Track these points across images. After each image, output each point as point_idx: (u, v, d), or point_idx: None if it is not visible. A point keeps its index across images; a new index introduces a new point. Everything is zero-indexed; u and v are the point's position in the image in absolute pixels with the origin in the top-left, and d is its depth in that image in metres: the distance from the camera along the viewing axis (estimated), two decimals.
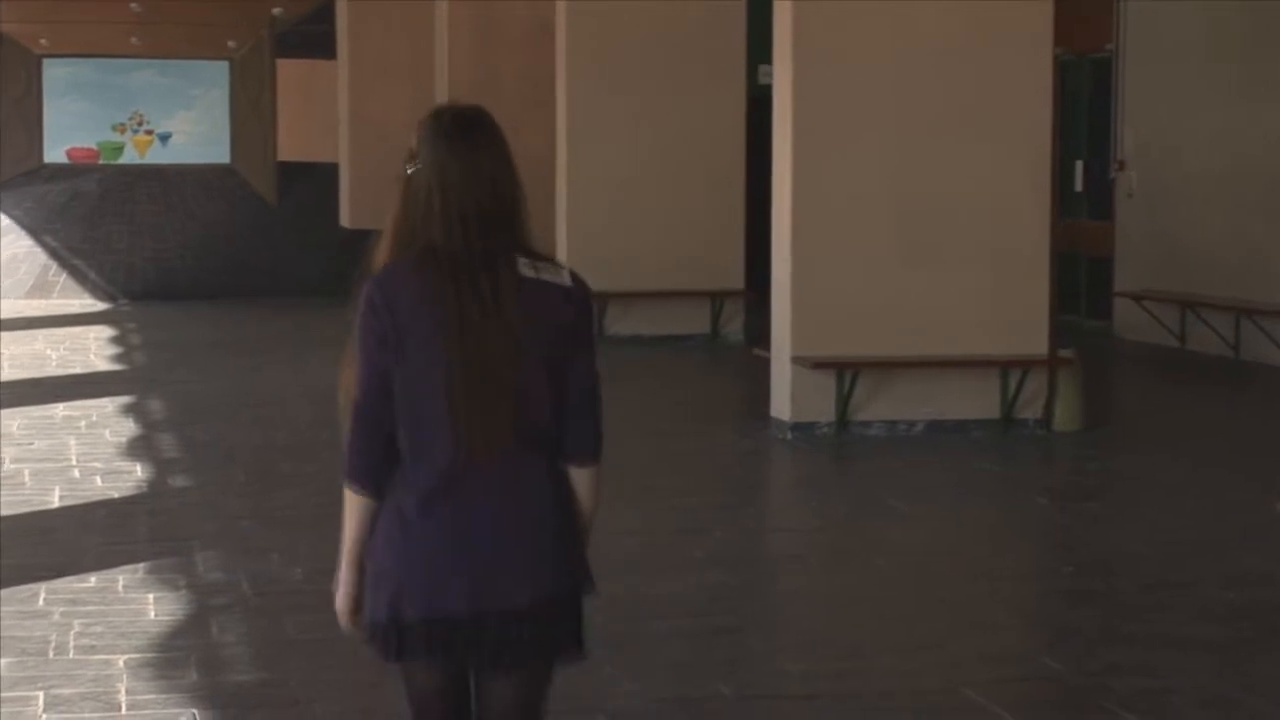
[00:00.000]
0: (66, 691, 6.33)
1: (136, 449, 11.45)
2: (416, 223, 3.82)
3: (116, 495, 9.99)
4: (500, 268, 3.80)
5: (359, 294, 3.83)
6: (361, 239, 18.64)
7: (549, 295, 3.82)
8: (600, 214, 16.96)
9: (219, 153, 24.77)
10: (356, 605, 3.94)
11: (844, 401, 11.89)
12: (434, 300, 3.76)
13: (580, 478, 3.89)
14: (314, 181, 24.89)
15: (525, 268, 3.82)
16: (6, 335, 17.89)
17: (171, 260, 22.96)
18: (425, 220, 3.81)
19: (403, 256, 3.82)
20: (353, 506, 3.86)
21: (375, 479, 3.82)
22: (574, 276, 3.89)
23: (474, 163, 3.84)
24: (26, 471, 10.59)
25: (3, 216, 23.29)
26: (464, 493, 3.78)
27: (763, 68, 17.57)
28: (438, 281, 3.77)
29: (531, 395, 3.80)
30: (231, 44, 24.83)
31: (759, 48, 16.18)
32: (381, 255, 3.86)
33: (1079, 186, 18.88)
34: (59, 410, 12.96)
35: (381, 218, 3.93)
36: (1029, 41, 12.14)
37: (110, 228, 23.32)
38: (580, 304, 3.87)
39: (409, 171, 3.86)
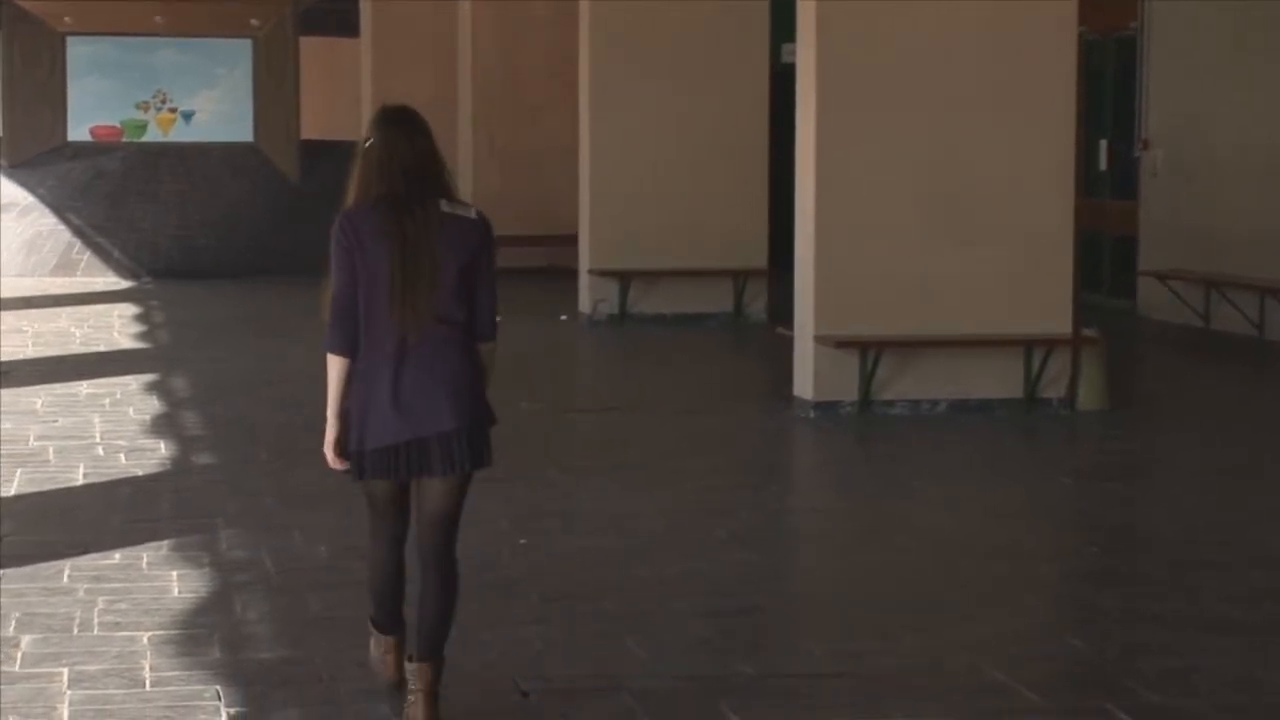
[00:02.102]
0: (91, 668, 6.35)
1: (160, 426, 11.47)
2: (372, 178, 5.63)
3: (140, 473, 10.01)
4: (428, 206, 5.59)
5: (335, 227, 5.61)
6: None
7: (461, 225, 5.62)
8: (623, 192, 16.94)
9: (242, 131, 24.73)
10: (340, 446, 5.68)
11: (867, 381, 11.87)
12: (383, 226, 5.57)
13: (484, 349, 5.69)
14: (337, 160, 24.81)
15: (445, 206, 5.62)
16: (31, 313, 17.93)
17: (195, 238, 22.97)
18: (377, 176, 5.62)
19: (363, 201, 5.62)
20: (333, 370, 5.64)
21: (348, 346, 5.60)
22: (479, 214, 5.69)
23: (407, 138, 5.65)
24: (51, 449, 10.62)
25: (27, 194, 23.33)
26: (407, 361, 5.56)
27: (786, 46, 17.53)
28: (386, 214, 5.58)
29: (449, 293, 5.57)
30: (254, 22, 24.84)
31: (782, 26, 16.14)
32: (349, 201, 5.66)
33: (1103, 165, 18.81)
34: (83, 388, 12.99)
35: None
36: (1053, 20, 12.10)
37: (134, 206, 23.33)
38: (483, 231, 5.67)
39: (366, 145, 5.68)
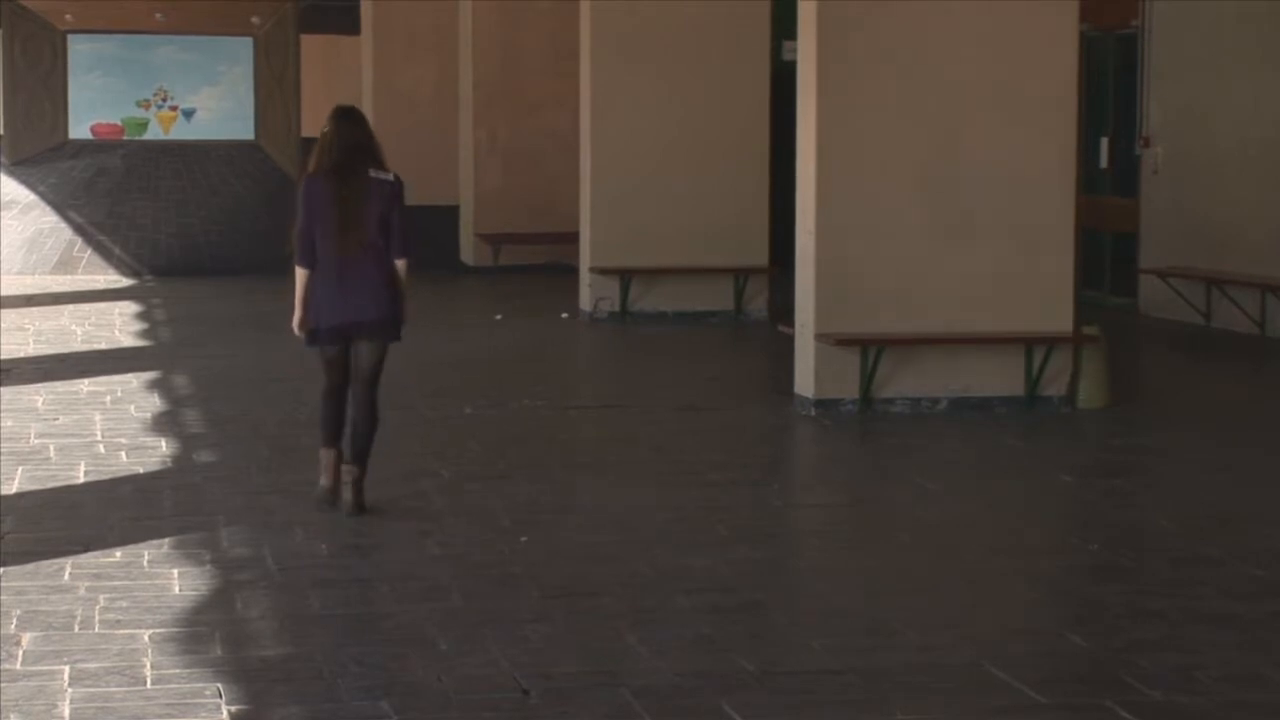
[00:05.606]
0: (92, 666, 6.36)
1: (161, 424, 11.47)
2: (325, 153, 8.62)
3: (141, 470, 10.02)
4: (361, 173, 8.58)
5: (300, 185, 8.73)
6: None
7: (382, 185, 8.61)
8: (624, 190, 16.93)
9: (243, 128, 24.71)
10: (303, 323, 8.70)
11: (868, 378, 11.87)
12: (332, 186, 8.59)
13: (399, 265, 8.66)
14: None
15: (372, 173, 8.59)
16: (32, 311, 17.93)
17: (196, 236, 22.97)
18: (329, 152, 8.62)
19: (319, 169, 8.63)
20: (300, 277, 8.69)
21: (308, 262, 8.65)
22: (395, 176, 8.64)
23: (348, 126, 8.69)
24: (52, 447, 10.62)
25: (28, 192, 23.33)
26: (344, 272, 8.59)
27: (787, 44, 17.53)
28: (333, 178, 8.59)
29: (373, 228, 8.56)
30: (255, 20, 24.83)
31: (783, 23, 16.14)
32: (311, 168, 8.68)
33: (1104, 163, 18.80)
34: (84, 385, 12.98)
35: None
36: (1054, 17, 12.09)
37: (135, 204, 23.32)
38: (397, 188, 8.63)
39: (323, 131, 8.67)
